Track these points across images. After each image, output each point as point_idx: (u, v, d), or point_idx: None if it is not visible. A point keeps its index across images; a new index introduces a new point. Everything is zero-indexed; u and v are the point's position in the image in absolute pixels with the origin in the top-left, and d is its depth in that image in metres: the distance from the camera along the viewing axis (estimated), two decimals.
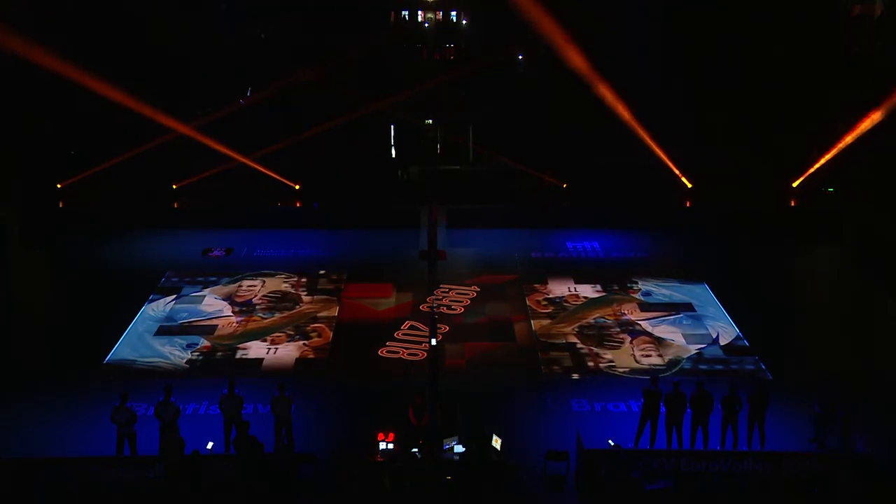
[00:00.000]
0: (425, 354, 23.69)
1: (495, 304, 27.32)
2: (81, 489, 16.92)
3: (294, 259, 31.09)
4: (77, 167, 36.89)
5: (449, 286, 27.89)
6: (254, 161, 36.23)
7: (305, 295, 28.04)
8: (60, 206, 35.12)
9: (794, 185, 35.87)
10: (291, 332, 25.47)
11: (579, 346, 24.65)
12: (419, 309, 26.44)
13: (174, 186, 36.16)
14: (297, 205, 36.13)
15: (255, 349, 24.49)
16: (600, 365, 23.52)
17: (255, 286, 28.61)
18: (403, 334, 25.37)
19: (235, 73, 40.91)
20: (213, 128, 36.42)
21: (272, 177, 36.38)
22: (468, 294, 27.83)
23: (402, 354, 24.19)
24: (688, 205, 35.82)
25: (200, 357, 24.07)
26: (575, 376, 22.94)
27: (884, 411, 20.47)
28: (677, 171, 36.45)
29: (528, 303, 27.38)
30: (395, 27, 47.31)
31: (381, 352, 24.42)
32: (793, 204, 35.23)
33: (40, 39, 29.66)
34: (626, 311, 26.57)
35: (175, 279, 29.18)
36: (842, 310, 27.30)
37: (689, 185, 36.19)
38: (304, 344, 24.81)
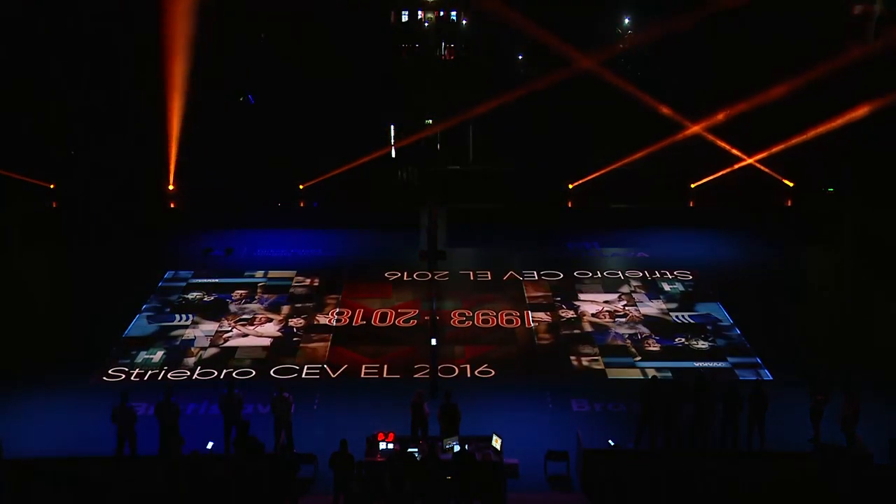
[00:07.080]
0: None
1: (495, 304, 27.34)
2: (81, 489, 16.91)
3: (294, 259, 31.06)
4: (76, 166, 36.94)
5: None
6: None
7: (307, 296, 28.02)
8: (54, 206, 35.05)
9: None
10: (292, 333, 25.52)
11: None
12: (421, 310, 26.44)
13: (171, 187, 36.08)
14: (301, 205, 36.10)
15: (255, 350, 24.55)
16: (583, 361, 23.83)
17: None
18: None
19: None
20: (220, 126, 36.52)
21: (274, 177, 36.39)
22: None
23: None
24: (691, 205, 35.83)
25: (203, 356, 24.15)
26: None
27: (884, 411, 20.51)
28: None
29: (527, 303, 27.38)
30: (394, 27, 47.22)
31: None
32: (789, 204, 35.24)
33: None
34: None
35: (173, 276, 29.24)
36: (841, 309, 27.28)
37: (693, 186, 36.18)
38: (304, 344, 24.81)
